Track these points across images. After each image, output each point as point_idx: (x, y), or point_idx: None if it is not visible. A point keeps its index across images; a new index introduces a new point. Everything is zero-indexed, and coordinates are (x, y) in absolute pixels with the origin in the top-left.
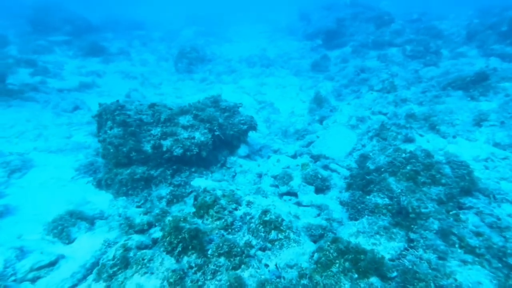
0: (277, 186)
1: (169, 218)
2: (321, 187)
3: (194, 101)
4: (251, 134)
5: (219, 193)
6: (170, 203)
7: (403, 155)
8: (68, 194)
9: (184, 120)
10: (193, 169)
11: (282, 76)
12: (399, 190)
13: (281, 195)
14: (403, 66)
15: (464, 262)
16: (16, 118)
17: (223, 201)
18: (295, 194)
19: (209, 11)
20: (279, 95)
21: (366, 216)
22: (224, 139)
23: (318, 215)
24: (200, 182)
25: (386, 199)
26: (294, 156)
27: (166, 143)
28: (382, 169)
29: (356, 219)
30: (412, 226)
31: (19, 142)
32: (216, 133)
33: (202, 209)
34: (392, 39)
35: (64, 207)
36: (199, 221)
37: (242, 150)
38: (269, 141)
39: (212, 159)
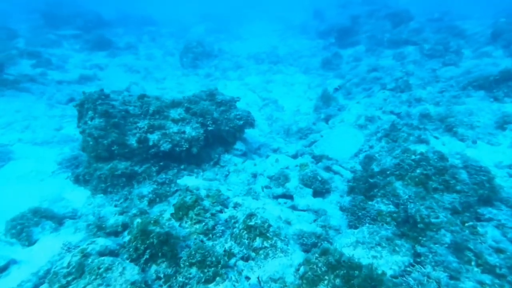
0: (271, 188)
1: (138, 220)
2: (320, 190)
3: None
4: (251, 131)
5: (202, 193)
6: (152, 202)
7: (413, 156)
8: (45, 189)
9: (175, 113)
10: (182, 167)
11: (290, 73)
12: (407, 196)
13: (276, 197)
14: (420, 65)
15: (481, 283)
16: (6, 109)
17: (206, 202)
18: (291, 197)
19: (223, 9)
20: (285, 92)
21: (367, 225)
22: (219, 135)
23: (315, 221)
24: (188, 180)
25: (391, 206)
26: (295, 156)
27: (153, 137)
28: (388, 172)
29: (356, 227)
30: (420, 238)
31: (5, 133)
32: (210, 128)
33: (181, 210)
34: (410, 38)
35: (37, 204)
36: (176, 224)
37: (238, 147)
38: (269, 139)
39: (204, 156)
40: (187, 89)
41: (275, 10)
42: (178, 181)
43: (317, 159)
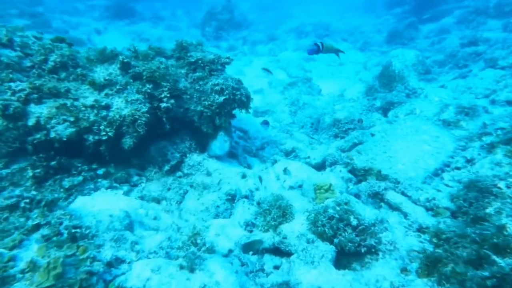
0: (254, 229)
1: None
2: (353, 249)
3: None
4: (255, 121)
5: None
6: None
7: None
8: None
9: (102, 72)
10: (101, 172)
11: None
12: None
13: (258, 253)
14: None
15: None
16: None
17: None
18: (288, 254)
19: None
20: (329, 73)
21: None
22: (187, 119)
23: None
24: (101, 200)
25: None
26: (320, 167)
27: (39, 110)
28: None
29: None
30: None
31: None
32: (164, 104)
33: None
34: None
35: None
36: None
37: (218, 144)
38: (283, 134)
39: (155, 154)
40: None
41: None
42: (74, 203)
43: (359, 175)
